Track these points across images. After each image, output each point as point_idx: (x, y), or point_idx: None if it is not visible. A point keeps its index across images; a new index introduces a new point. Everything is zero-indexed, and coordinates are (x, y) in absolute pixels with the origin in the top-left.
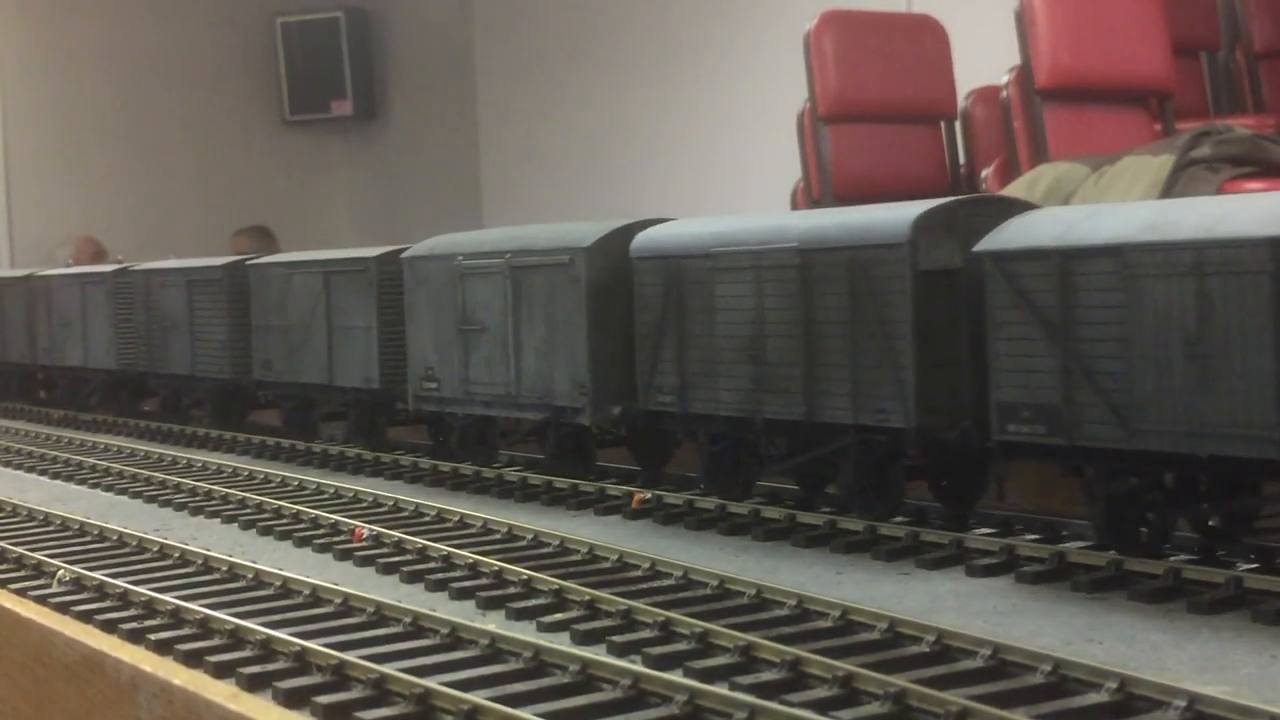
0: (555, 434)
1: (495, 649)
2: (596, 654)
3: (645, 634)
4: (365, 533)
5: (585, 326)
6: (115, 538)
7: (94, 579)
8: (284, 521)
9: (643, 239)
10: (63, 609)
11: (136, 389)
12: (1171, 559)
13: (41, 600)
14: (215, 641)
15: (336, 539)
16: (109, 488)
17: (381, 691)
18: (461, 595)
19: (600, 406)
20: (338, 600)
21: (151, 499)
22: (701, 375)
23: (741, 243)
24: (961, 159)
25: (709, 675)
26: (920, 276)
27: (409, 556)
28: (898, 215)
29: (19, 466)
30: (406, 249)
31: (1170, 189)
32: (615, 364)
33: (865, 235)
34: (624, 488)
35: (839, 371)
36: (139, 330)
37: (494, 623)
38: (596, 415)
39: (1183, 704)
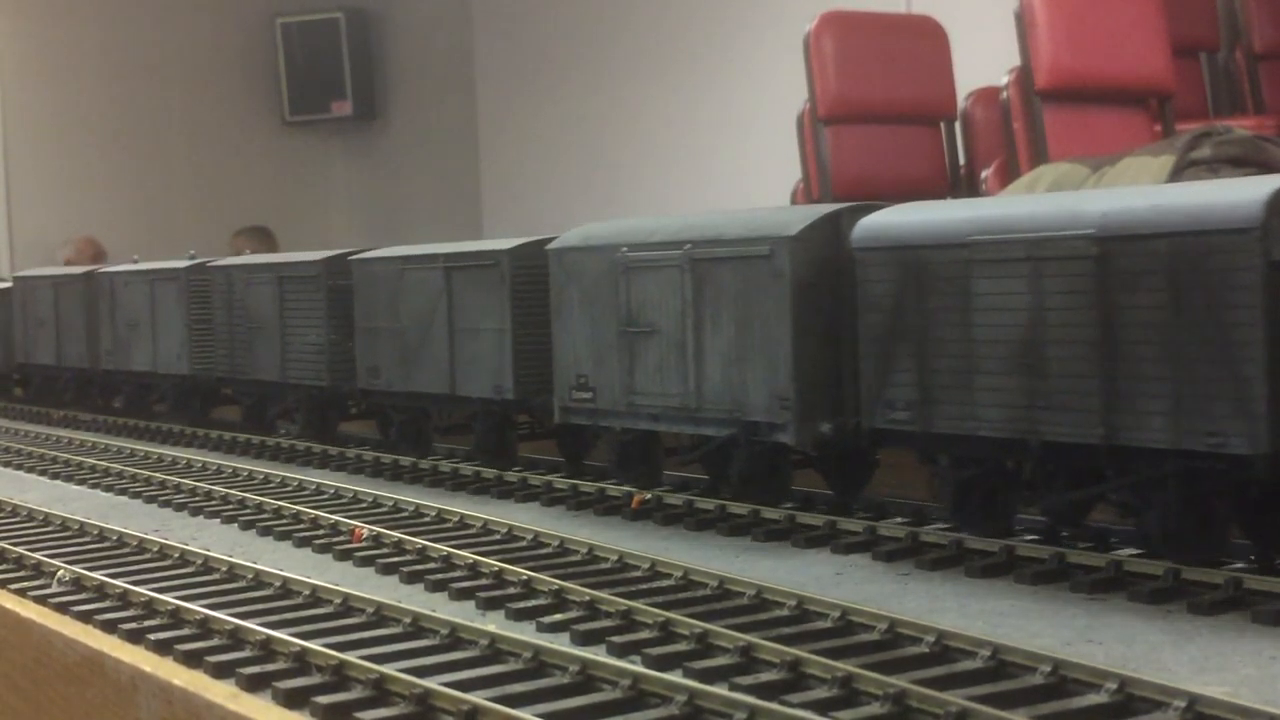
0: (745, 454)
1: (495, 649)
2: (596, 654)
3: (645, 634)
4: (365, 533)
5: (789, 329)
6: (115, 538)
7: (94, 579)
8: (284, 522)
9: (868, 226)
10: (62, 609)
11: (210, 396)
12: (1170, 561)
13: (41, 600)
14: (215, 642)
15: (336, 539)
16: (109, 488)
17: (381, 692)
18: (461, 595)
19: (806, 423)
20: (337, 600)
21: (151, 499)
22: (951, 388)
23: (1011, 229)
24: (961, 160)
25: (709, 676)
26: (1273, 269)
27: (409, 557)
28: (1241, 194)
29: (19, 467)
30: (550, 239)
31: None
32: (823, 374)
33: (1196, 219)
34: (625, 488)
35: (1154, 386)
36: (218, 332)
37: (494, 623)
38: (802, 433)
39: (1182, 705)
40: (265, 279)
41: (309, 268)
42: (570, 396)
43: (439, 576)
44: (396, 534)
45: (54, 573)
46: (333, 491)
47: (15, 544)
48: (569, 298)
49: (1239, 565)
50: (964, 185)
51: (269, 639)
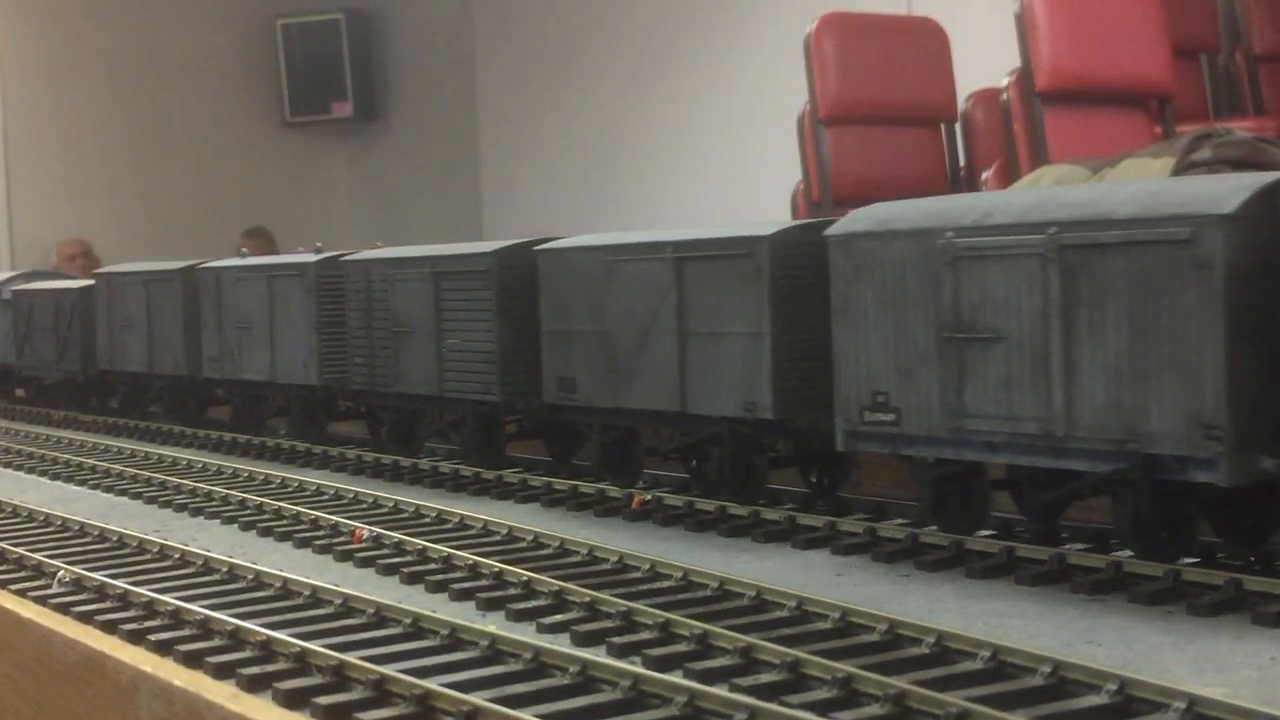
0: (1138, 495)
1: (495, 650)
2: (597, 655)
3: (645, 635)
4: (365, 534)
5: (1221, 336)
6: (115, 538)
7: (94, 580)
8: (284, 523)
9: None
10: (63, 609)
11: (335, 409)
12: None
13: (42, 601)
14: (215, 642)
15: (337, 540)
16: (109, 489)
17: (381, 692)
18: (462, 596)
19: (1243, 456)
20: (338, 601)
21: (152, 500)
22: None
23: None
24: (961, 161)
25: (709, 676)
26: None
27: (409, 558)
28: None
29: (19, 468)
30: (824, 223)
31: None
32: (1264, 392)
33: None
34: (625, 489)
35: None
36: (353, 337)
37: (494, 624)
38: (1238, 471)
39: (1182, 706)
40: (416, 275)
41: (476, 260)
42: (861, 419)
43: (439, 577)
44: (397, 535)
45: (55, 573)
46: (333, 492)
47: (16, 545)
48: (859, 295)
49: (1239, 566)
50: (964, 187)
51: (269, 640)
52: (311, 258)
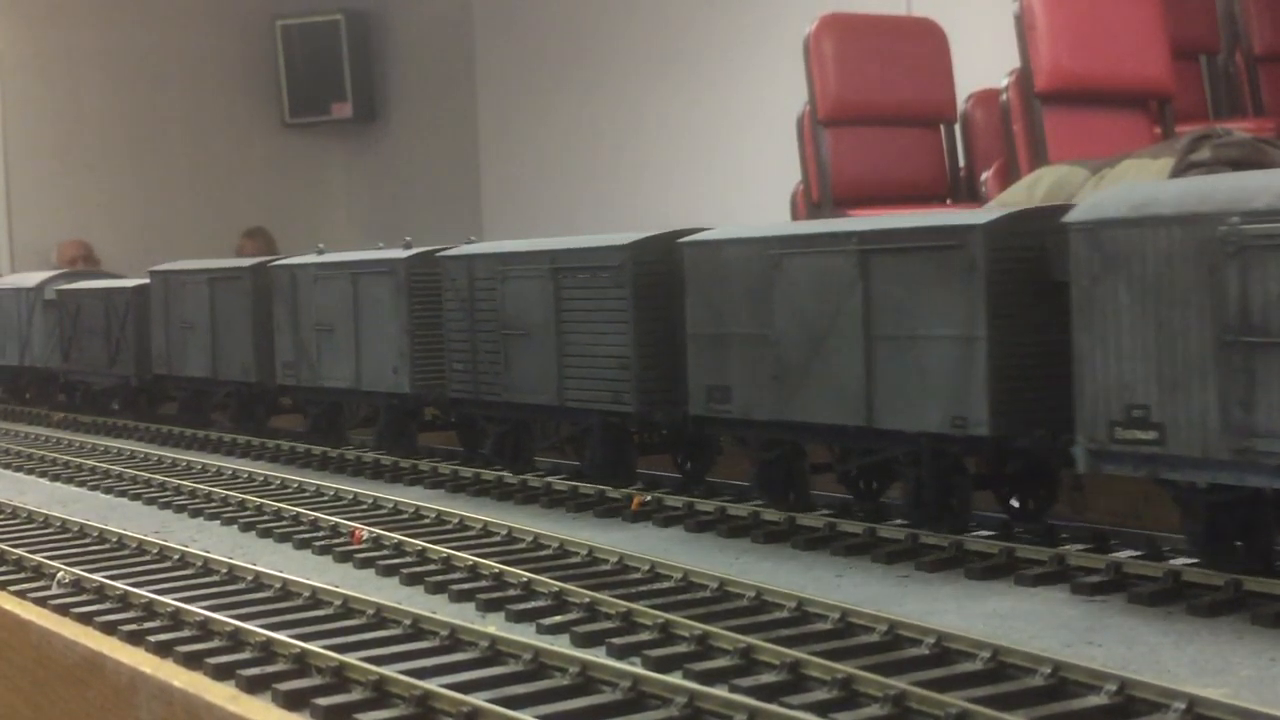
0: None
1: (495, 651)
2: (596, 656)
3: (645, 636)
4: (365, 535)
5: None
6: (115, 539)
7: (94, 581)
8: (284, 524)
9: None
10: (62, 610)
11: (426, 420)
12: (1170, 562)
13: (41, 602)
14: (215, 643)
15: (336, 541)
16: (108, 490)
17: (381, 694)
18: (461, 597)
19: None
20: (338, 602)
21: (151, 501)
22: None
23: None
24: (961, 162)
25: (709, 677)
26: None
27: (409, 559)
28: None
29: (18, 469)
30: (1047, 210)
31: None
32: None
33: None
34: (624, 490)
35: None
36: (452, 340)
37: (494, 625)
38: None
39: (1182, 706)
40: (532, 271)
41: (607, 254)
42: (1111, 436)
43: (439, 578)
44: (396, 536)
45: (54, 574)
46: (333, 493)
47: (15, 546)
48: (1109, 292)
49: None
50: (964, 188)
51: (269, 640)
52: (402, 253)
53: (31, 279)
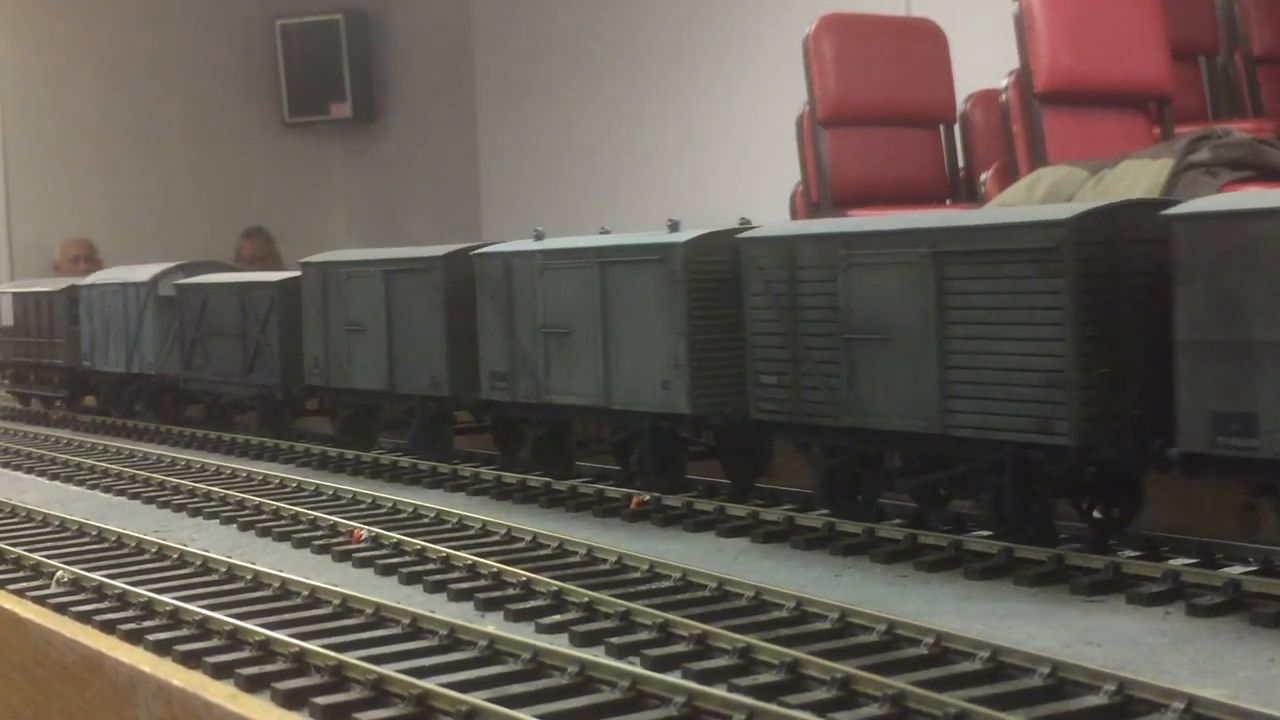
0: None
1: (494, 650)
2: (595, 655)
3: (644, 635)
4: (364, 534)
5: None
6: (114, 538)
7: (93, 579)
8: (283, 523)
9: None
10: (61, 609)
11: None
12: (1169, 562)
13: (40, 601)
14: (214, 642)
15: (335, 540)
16: (108, 489)
17: (380, 692)
18: (460, 596)
19: None
20: (336, 601)
21: (150, 500)
22: None
23: None
24: (961, 163)
25: (708, 677)
26: None
27: (408, 558)
28: None
29: (18, 467)
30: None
31: (1169, 193)
32: None
33: None
34: (624, 490)
35: None
36: (764, 347)
37: (493, 624)
38: None
39: (1181, 706)
40: (901, 256)
41: (1033, 232)
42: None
43: (438, 577)
44: (395, 535)
45: (53, 573)
46: (331, 493)
47: (14, 544)
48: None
49: (1238, 568)
50: (963, 188)
51: (268, 640)
52: (676, 236)
53: (143, 272)
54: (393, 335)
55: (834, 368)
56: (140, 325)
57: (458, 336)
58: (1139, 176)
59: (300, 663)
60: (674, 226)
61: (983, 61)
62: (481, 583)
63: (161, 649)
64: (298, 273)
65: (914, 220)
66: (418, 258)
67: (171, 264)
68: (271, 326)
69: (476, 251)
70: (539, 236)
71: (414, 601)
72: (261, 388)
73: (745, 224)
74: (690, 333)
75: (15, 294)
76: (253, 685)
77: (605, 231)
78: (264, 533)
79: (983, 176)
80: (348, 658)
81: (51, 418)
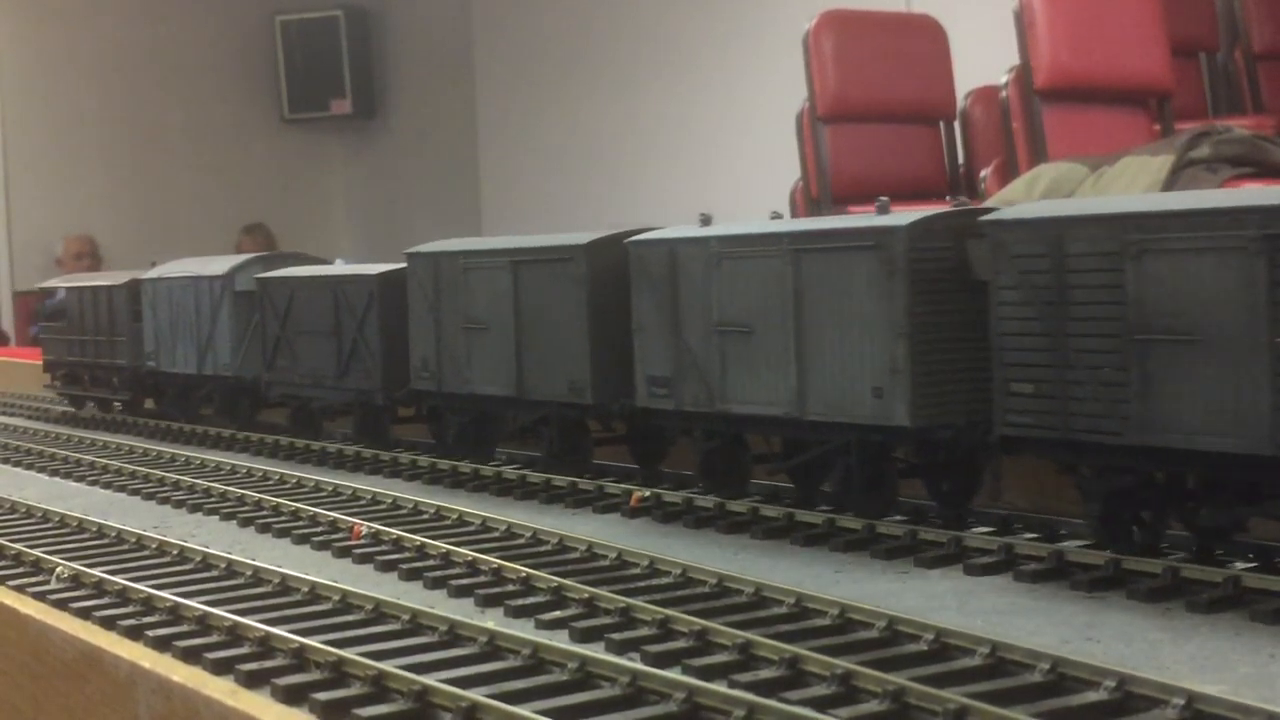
0: None
1: (494, 646)
2: (595, 651)
3: (644, 632)
4: (363, 530)
5: None
6: (114, 534)
7: (92, 575)
8: (282, 519)
9: None
10: (61, 605)
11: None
12: (1169, 558)
13: (40, 596)
14: (214, 638)
15: (335, 536)
16: (107, 485)
17: (380, 688)
18: (460, 593)
19: None
20: (336, 597)
21: (150, 496)
22: None
23: None
24: (960, 159)
25: (708, 673)
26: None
27: (407, 554)
28: None
29: (18, 464)
30: None
31: (1169, 189)
32: None
33: None
34: (623, 485)
35: None
36: (1023, 349)
37: (493, 620)
38: None
39: (1181, 702)
40: (1221, 241)
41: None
42: None
43: (438, 574)
44: (395, 531)
45: (53, 569)
46: (331, 488)
47: (14, 540)
48: None
49: (1238, 564)
50: (963, 185)
51: (268, 635)
52: (898, 219)
53: (217, 264)
54: (521, 334)
55: (1119, 374)
56: (214, 322)
57: (603, 336)
58: (1139, 173)
59: (300, 658)
60: (706, 220)
61: (983, 58)
62: (481, 579)
63: (161, 645)
64: (400, 264)
65: (1236, 198)
66: (554, 246)
67: (249, 255)
68: (370, 324)
69: (633, 239)
70: (706, 221)
71: (413, 597)
72: (358, 392)
73: (882, 204)
74: (912, 331)
75: (69, 288)
76: (252, 681)
77: (777, 215)
78: (263, 529)
79: (983, 173)
80: (348, 653)
81: (50, 413)
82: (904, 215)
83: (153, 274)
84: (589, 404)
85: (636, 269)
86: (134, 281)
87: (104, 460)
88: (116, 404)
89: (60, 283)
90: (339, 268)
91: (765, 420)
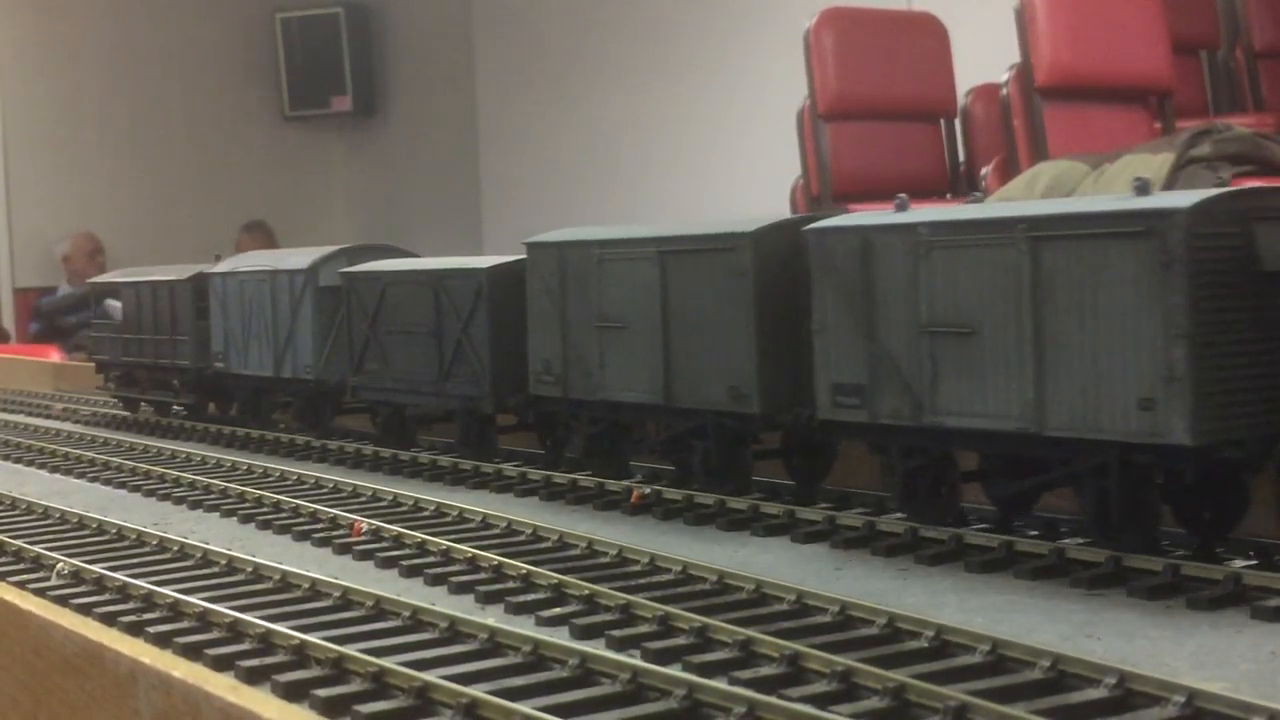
0: None
1: (495, 643)
2: (596, 648)
3: (644, 629)
4: (364, 527)
5: None
6: (114, 531)
7: (93, 572)
8: (283, 515)
9: None
10: (62, 601)
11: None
12: (1170, 556)
13: (41, 593)
14: (214, 634)
15: (336, 533)
16: (108, 481)
17: (380, 685)
18: (461, 589)
19: None
20: (337, 594)
21: (151, 492)
22: None
23: None
24: (961, 157)
25: (708, 670)
26: None
27: (408, 551)
28: None
29: (19, 460)
30: None
31: (1170, 187)
32: None
33: None
34: (624, 483)
35: None
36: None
37: (493, 617)
38: None
39: (1182, 700)
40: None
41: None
42: None
43: (438, 570)
44: (396, 528)
45: (54, 565)
46: (332, 485)
47: (15, 537)
48: None
49: (1239, 561)
50: (964, 183)
51: (268, 632)
52: (1176, 200)
53: (298, 258)
54: (670, 334)
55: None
56: (294, 321)
57: (771, 337)
58: (1140, 171)
59: (301, 655)
60: (902, 205)
61: (983, 55)
62: (482, 575)
63: (162, 641)
64: (513, 256)
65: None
66: (713, 235)
67: (333, 248)
68: (478, 323)
69: (815, 226)
70: (902, 206)
71: (414, 594)
72: (463, 399)
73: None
74: (1195, 333)
75: (126, 284)
76: (253, 677)
77: (977, 198)
78: (264, 526)
79: (983, 171)
80: (348, 650)
81: (53, 410)
82: (1180, 196)
83: (221, 268)
84: (754, 414)
85: (818, 260)
86: (200, 276)
87: (104, 457)
88: (177, 408)
89: (115, 277)
90: (438, 261)
91: (989, 435)
